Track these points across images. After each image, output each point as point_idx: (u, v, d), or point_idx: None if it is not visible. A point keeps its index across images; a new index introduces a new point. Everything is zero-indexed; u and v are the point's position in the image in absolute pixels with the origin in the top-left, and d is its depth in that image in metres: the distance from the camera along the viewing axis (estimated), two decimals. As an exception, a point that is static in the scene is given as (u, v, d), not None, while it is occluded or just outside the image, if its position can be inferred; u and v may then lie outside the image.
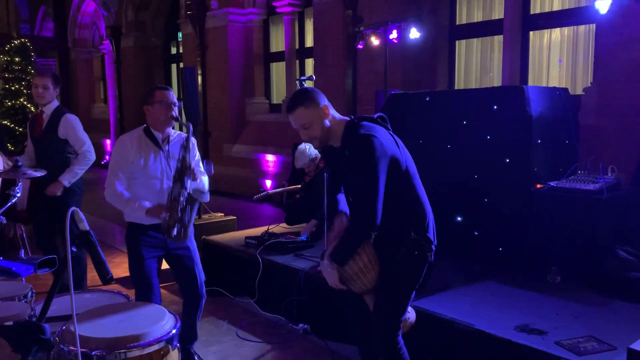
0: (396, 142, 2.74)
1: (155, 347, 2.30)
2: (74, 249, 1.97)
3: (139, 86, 14.75)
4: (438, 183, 4.83)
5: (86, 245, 2.01)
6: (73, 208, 1.98)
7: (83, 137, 4.76)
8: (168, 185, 3.39)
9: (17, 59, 13.32)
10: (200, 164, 3.65)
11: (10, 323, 2.34)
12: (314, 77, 5.53)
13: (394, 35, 6.97)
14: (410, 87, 7.59)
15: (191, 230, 3.46)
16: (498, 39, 7.62)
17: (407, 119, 5.17)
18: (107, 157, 16.34)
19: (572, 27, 6.95)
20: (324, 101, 2.77)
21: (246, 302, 4.95)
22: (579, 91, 6.51)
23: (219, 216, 6.13)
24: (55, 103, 4.81)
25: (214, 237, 5.60)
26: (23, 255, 3.12)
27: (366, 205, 2.59)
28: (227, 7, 11.00)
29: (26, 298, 2.91)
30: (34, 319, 2.26)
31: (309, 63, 10.57)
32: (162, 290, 5.03)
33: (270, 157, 10.43)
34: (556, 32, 7.15)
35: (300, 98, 2.76)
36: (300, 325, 4.41)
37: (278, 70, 11.48)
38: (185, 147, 3.30)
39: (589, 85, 6.32)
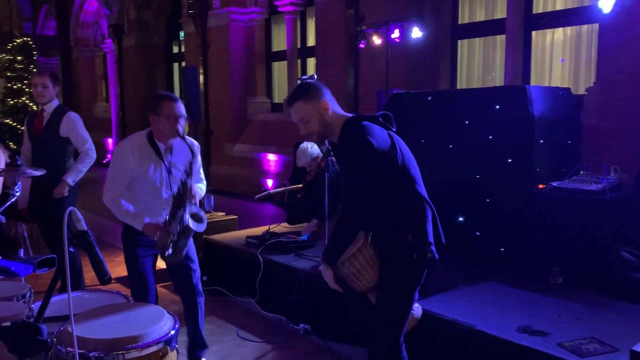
0: (395, 142, 2.68)
1: (154, 348, 2.29)
2: (72, 249, 1.95)
3: (141, 85, 14.75)
4: (440, 183, 4.81)
5: (84, 246, 1.99)
6: (71, 208, 1.96)
7: (85, 135, 4.79)
8: (168, 194, 3.37)
9: (19, 57, 13.34)
10: (201, 170, 3.62)
11: (8, 324, 2.32)
12: (316, 76, 5.51)
13: (396, 34, 6.95)
14: (412, 86, 7.56)
15: (190, 242, 3.44)
16: (500, 39, 7.60)
17: (409, 119, 5.15)
18: (108, 155, 16.33)
19: (574, 27, 6.92)
20: (326, 96, 2.74)
21: (247, 302, 4.94)
22: (582, 91, 6.48)
23: (220, 215, 6.11)
24: (56, 102, 4.85)
25: (215, 237, 5.59)
26: (22, 255, 3.10)
27: (346, 203, 2.64)
28: (229, 6, 10.98)
29: (24, 298, 2.90)
30: (32, 320, 2.24)
31: (311, 62, 10.55)
32: (162, 290, 5.04)
33: (271, 157, 10.41)
34: (559, 32, 7.12)
35: (300, 92, 2.76)
36: (301, 325, 4.40)
37: (280, 69, 11.46)
38: (188, 172, 3.24)
39: (592, 85, 6.29)
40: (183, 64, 13.08)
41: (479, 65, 8.03)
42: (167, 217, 3.24)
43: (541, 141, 4.41)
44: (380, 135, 2.61)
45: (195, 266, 3.60)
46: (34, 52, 13.70)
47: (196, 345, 3.68)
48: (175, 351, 2.41)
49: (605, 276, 3.96)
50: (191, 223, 3.18)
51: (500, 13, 7.59)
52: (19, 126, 12.98)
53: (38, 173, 3.79)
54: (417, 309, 2.87)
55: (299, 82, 4.74)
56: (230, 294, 5.15)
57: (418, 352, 3.49)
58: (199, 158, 3.52)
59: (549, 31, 7.21)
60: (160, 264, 3.71)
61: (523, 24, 7.22)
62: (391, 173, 2.63)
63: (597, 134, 5.69)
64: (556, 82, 7.03)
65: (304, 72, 10.67)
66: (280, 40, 11.34)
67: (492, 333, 3.22)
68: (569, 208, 4.13)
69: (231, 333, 4.45)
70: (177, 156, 3.40)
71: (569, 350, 2.96)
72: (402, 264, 2.66)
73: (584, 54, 6.85)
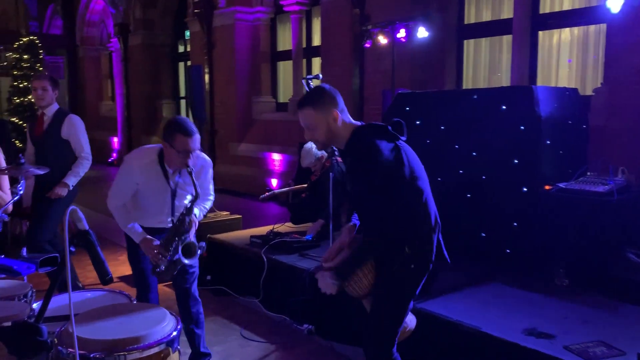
0: (403, 155, 2.61)
1: (155, 350, 2.27)
2: (73, 249, 1.93)
3: (147, 84, 14.78)
4: (445, 183, 4.79)
5: (85, 245, 1.98)
6: (72, 207, 1.94)
7: (83, 142, 4.86)
8: (169, 215, 3.37)
9: (25, 56, 13.38)
10: (211, 186, 3.59)
11: (9, 323, 2.31)
12: (321, 75, 5.50)
13: (401, 34, 6.92)
14: (417, 86, 7.53)
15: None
16: (507, 39, 7.56)
17: (414, 119, 5.13)
18: (113, 154, 16.37)
19: (582, 27, 6.88)
20: (337, 106, 2.65)
21: (251, 302, 4.92)
22: (589, 92, 6.44)
23: (224, 215, 6.10)
24: (56, 105, 4.92)
25: (219, 236, 5.58)
26: (25, 254, 3.09)
27: (370, 224, 2.57)
28: (235, 6, 10.98)
29: (26, 297, 2.88)
30: (33, 320, 2.23)
31: (316, 62, 10.53)
32: (166, 289, 5.03)
33: (276, 156, 10.40)
34: (566, 32, 7.08)
35: (312, 98, 2.67)
36: (305, 325, 4.37)
37: (285, 69, 11.45)
38: (188, 209, 3.21)
39: (599, 85, 6.25)
40: (188, 63, 13.09)
41: (485, 65, 7.99)
42: (162, 240, 3.24)
43: (547, 142, 4.37)
44: (386, 154, 2.55)
45: (192, 269, 3.51)
46: (40, 51, 13.74)
47: (195, 355, 3.63)
48: (177, 352, 2.39)
49: (612, 278, 3.93)
50: (183, 258, 3.16)
51: (507, 13, 7.55)
52: (24, 125, 13.01)
53: (41, 172, 3.79)
54: (410, 321, 2.84)
55: (303, 81, 4.74)
56: (234, 294, 5.14)
57: (423, 354, 3.47)
58: (210, 174, 3.51)
59: (555, 31, 7.17)
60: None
61: (530, 24, 7.18)
62: (397, 187, 2.57)
63: (604, 135, 5.64)
64: (563, 83, 6.98)
65: (309, 71, 10.66)
66: (285, 40, 11.33)
67: (498, 335, 3.19)
68: (576, 209, 4.09)
69: (235, 333, 4.43)
70: (186, 177, 3.33)
71: (576, 353, 2.93)
72: (398, 274, 2.61)
73: (592, 54, 6.81)
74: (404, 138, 2.69)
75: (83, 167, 4.87)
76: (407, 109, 5.24)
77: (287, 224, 5.77)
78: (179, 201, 3.37)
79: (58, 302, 2.74)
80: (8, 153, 5.28)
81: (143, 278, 3.48)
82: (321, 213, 5.17)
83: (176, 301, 3.60)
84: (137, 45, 14.75)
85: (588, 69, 6.87)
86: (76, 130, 4.83)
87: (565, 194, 4.17)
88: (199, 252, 3.24)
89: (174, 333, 2.37)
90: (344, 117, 2.68)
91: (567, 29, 7.04)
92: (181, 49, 15.09)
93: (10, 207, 3.69)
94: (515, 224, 4.44)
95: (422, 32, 6.83)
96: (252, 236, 5.24)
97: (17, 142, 12.61)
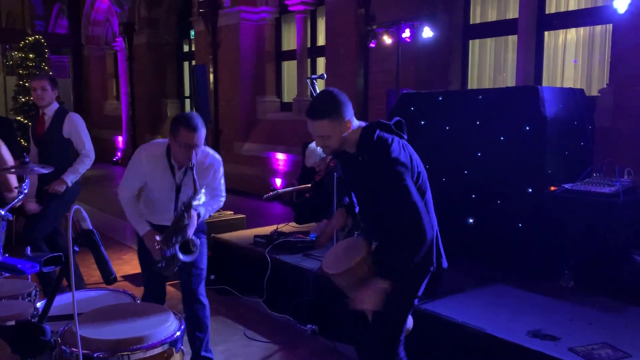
0: (408, 152, 2.63)
1: (159, 350, 2.26)
2: (77, 248, 1.93)
3: (151, 83, 14.80)
4: (450, 184, 4.78)
5: (89, 245, 1.97)
6: (76, 207, 1.94)
7: (85, 139, 4.86)
8: (172, 208, 3.36)
9: (31, 55, 13.39)
10: (222, 183, 3.56)
11: (13, 322, 2.31)
12: (325, 75, 5.49)
13: (406, 34, 6.91)
14: (422, 86, 7.51)
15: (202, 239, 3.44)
16: (512, 39, 7.53)
17: (419, 119, 5.11)
18: (118, 153, 16.40)
19: (588, 27, 6.85)
20: (349, 113, 2.62)
21: (254, 302, 4.92)
22: (595, 92, 6.41)
23: (228, 214, 6.10)
24: (56, 105, 4.93)
25: (223, 236, 5.59)
26: (29, 252, 3.08)
27: (411, 217, 2.51)
28: (240, 5, 10.98)
29: (30, 296, 2.88)
30: (36, 319, 2.23)
31: (321, 62, 10.52)
32: (171, 289, 5.02)
33: (280, 156, 10.40)
34: (571, 32, 7.05)
35: (327, 109, 2.59)
36: (308, 325, 4.37)
37: (289, 68, 11.45)
38: (186, 204, 3.18)
39: (605, 86, 6.22)
40: (193, 62, 13.11)
41: (490, 65, 7.97)
42: (163, 235, 3.24)
43: (553, 142, 4.35)
44: (400, 150, 2.56)
45: (199, 271, 3.51)
46: (46, 50, 13.76)
47: (195, 358, 3.59)
48: (180, 353, 2.38)
49: (617, 280, 3.91)
50: (180, 255, 3.14)
51: (513, 13, 7.52)
52: (30, 123, 13.04)
53: (46, 170, 3.79)
54: (408, 321, 2.83)
55: (308, 81, 4.73)
56: (237, 293, 5.14)
57: (427, 354, 3.46)
58: (220, 172, 3.48)
59: (561, 31, 7.14)
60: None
61: (535, 24, 7.16)
62: (408, 184, 2.55)
63: (610, 135, 5.62)
64: (568, 83, 6.96)
65: (314, 71, 10.66)
66: (290, 40, 11.33)
67: (502, 337, 3.17)
68: (581, 210, 4.07)
69: (238, 333, 4.43)
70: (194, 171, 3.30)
71: (581, 355, 2.91)
72: (397, 281, 2.60)
73: (597, 54, 6.78)
74: (405, 136, 2.71)
75: (83, 164, 4.84)
76: (412, 109, 5.22)
77: (291, 223, 5.77)
78: (184, 198, 3.36)
79: (61, 301, 2.74)
80: (13, 151, 5.27)
81: (152, 276, 3.48)
82: (325, 213, 5.16)
83: (182, 302, 3.60)
84: (142, 44, 14.77)
85: (594, 70, 6.84)
86: (77, 128, 4.84)
87: (570, 195, 4.15)
88: (197, 252, 3.23)
89: (178, 333, 2.36)
90: (353, 122, 2.67)
91: (573, 29, 7.02)
92: (186, 48, 15.11)
93: (16, 205, 3.69)
94: (520, 224, 4.43)
95: (427, 32, 6.82)
96: (255, 236, 5.23)
97: (22, 140, 12.62)
